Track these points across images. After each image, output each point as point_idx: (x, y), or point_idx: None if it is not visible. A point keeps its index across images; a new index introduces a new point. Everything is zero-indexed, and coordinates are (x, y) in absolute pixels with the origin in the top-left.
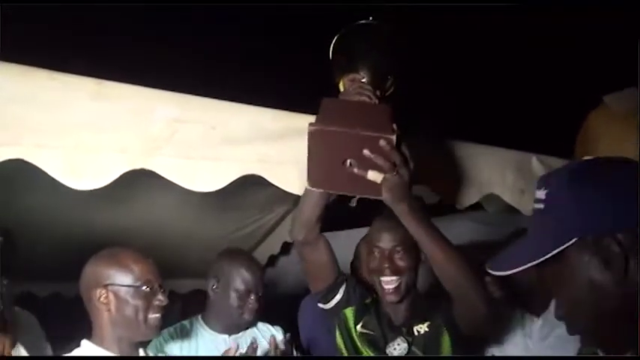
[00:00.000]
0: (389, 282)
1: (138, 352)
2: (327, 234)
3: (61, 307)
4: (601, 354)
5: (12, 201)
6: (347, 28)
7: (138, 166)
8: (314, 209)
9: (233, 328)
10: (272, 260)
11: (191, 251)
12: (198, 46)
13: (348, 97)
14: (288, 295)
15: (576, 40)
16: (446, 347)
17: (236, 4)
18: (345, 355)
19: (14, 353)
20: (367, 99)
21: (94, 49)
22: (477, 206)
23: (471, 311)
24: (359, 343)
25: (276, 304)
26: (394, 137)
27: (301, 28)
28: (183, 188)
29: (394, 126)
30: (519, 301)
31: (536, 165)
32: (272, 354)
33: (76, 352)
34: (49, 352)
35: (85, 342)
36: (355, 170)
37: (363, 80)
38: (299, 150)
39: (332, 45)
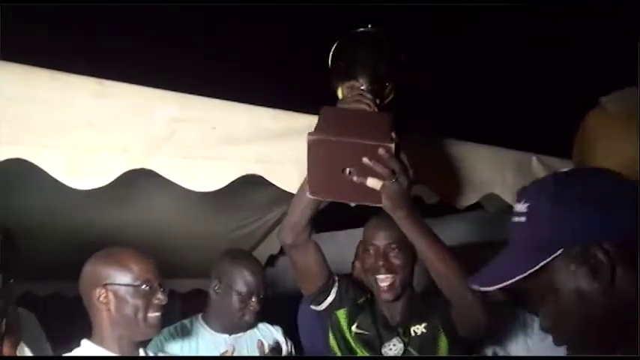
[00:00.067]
0: (384, 280)
1: (138, 352)
2: (326, 234)
3: (60, 307)
4: None
5: (12, 200)
6: (346, 36)
7: (138, 166)
8: (303, 213)
9: (233, 328)
10: (272, 260)
11: (191, 251)
12: (198, 46)
13: (347, 105)
14: (287, 295)
15: (576, 40)
16: (443, 348)
17: (236, 4)
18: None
19: (18, 352)
20: (366, 107)
21: (94, 48)
22: (476, 206)
23: (469, 317)
24: (353, 344)
25: (275, 304)
26: (393, 145)
27: (301, 27)
28: (183, 188)
29: (393, 134)
30: (519, 301)
31: (536, 165)
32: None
33: (76, 352)
34: (49, 352)
35: (84, 341)
36: (355, 178)
37: (362, 88)
38: (299, 150)
39: (331, 52)
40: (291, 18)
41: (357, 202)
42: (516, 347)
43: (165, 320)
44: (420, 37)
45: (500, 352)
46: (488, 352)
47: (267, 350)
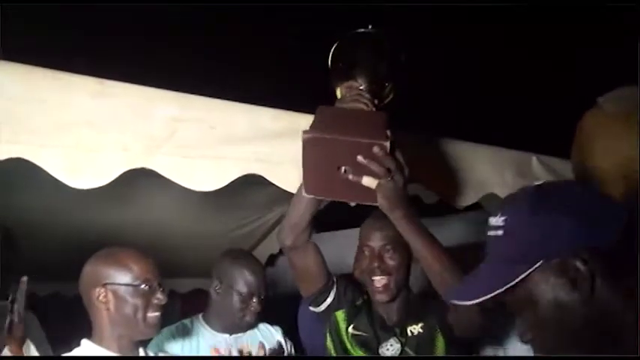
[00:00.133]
0: (379, 281)
1: (138, 351)
2: (326, 234)
3: (61, 307)
4: None
5: (12, 200)
6: (345, 36)
7: (138, 165)
8: (303, 214)
9: (234, 328)
10: (272, 260)
11: (191, 250)
12: (198, 46)
13: (345, 105)
14: (287, 295)
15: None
16: (440, 348)
17: (236, 4)
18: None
19: (25, 351)
20: (364, 106)
21: (95, 48)
22: (476, 206)
23: (465, 318)
24: (349, 346)
25: (275, 304)
26: (388, 143)
27: (301, 27)
28: (183, 187)
29: (388, 132)
30: None
31: (536, 165)
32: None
33: (75, 352)
34: (49, 352)
35: (84, 341)
36: (350, 177)
37: (361, 88)
38: (299, 150)
39: (330, 53)
40: (291, 18)
41: (352, 200)
42: (514, 349)
43: (165, 320)
44: (420, 37)
45: (500, 352)
46: (488, 352)
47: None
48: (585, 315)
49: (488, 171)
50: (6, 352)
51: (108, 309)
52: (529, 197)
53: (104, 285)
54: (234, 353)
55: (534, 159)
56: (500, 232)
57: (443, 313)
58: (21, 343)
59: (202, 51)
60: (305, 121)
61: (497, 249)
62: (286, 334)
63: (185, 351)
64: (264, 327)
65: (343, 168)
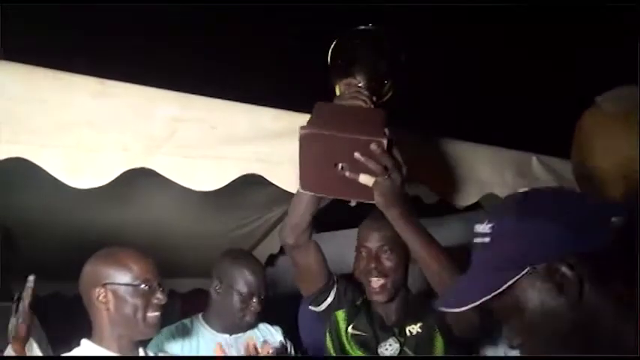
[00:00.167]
0: (376, 282)
1: (138, 351)
2: (327, 234)
3: (61, 307)
4: None
5: (12, 200)
6: (345, 33)
7: (138, 165)
8: (304, 213)
9: (234, 328)
10: (272, 259)
11: (191, 250)
12: (198, 46)
13: (343, 102)
14: (287, 295)
15: (576, 39)
16: (439, 348)
17: (236, 4)
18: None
19: (27, 350)
20: (362, 103)
21: (95, 48)
22: (476, 206)
23: (464, 318)
24: (348, 346)
25: (275, 304)
26: (385, 141)
27: (301, 27)
28: (183, 187)
29: (386, 130)
30: None
31: (536, 165)
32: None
33: (75, 352)
34: (49, 352)
35: (84, 341)
36: (347, 174)
37: (360, 85)
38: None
39: (330, 50)
40: (291, 18)
41: (348, 198)
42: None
43: (165, 320)
44: (420, 37)
45: (500, 352)
46: (488, 353)
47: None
48: (573, 320)
49: (488, 171)
50: (9, 352)
51: (108, 309)
52: (516, 204)
53: (104, 285)
54: (234, 353)
55: (534, 159)
56: (487, 239)
57: (442, 313)
58: (24, 343)
59: (202, 51)
60: (305, 121)
61: (484, 256)
62: (286, 334)
63: (185, 351)
64: (264, 327)
65: (340, 165)
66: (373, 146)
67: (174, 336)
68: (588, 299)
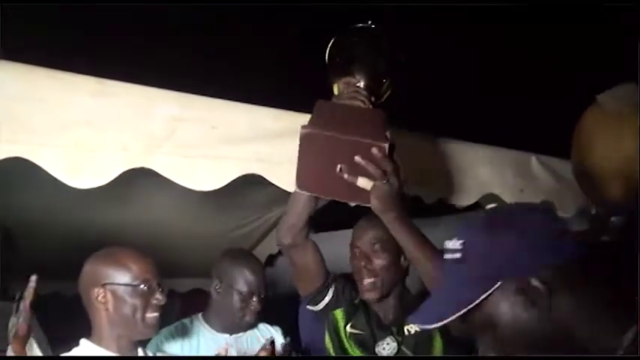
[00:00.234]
0: (366, 280)
1: (137, 351)
2: (325, 234)
3: (60, 306)
4: None
5: (12, 199)
6: (343, 32)
7: (138, 165)
8: (301, 213)
9: (234, 328)
10: (271, 260)
11: (190, 250)
12: (198, 46)
13: (342, 101)
14: (286, 295)
15: (576, 39)
16: (438, 348)
17: (236, 4)
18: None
19: (28, 349)
20: (361, 104)
21: (95, 48)
22: (476, 206)
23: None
24: (347, 344)
25: (274, 304)
26: (387, 145)
27: (301, 27)
28: (182, 187)
29: (388, 134)
30: None
31: (536, 165)
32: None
33: (74, 351)
34: (49, 352)
35: (83, 341)
36: (345, 176)
37: (359, 84)
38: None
39: (328, 48)
40: (291, 18)
41: (344, 200)
42: None
43: (164, 320)
44: (420, 37)
45: None
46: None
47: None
48: (545, 331)
49: (488, 171)
50: (9, 352)
51: (107, 309)
52: (485, 221)
53: (103, 285)
54: (234, 353)
55: (534, 159)
56: (458, 255)
57: None
58: (24, 342)
59: (202, 51)
60: (305, 121)
61: (456, 272)
62: (286, 334)
63: (185, 351)
64: (263, 327)
65: (339, 166)
66: (374, 150)
67: (174, 336)
68: (558, 310)
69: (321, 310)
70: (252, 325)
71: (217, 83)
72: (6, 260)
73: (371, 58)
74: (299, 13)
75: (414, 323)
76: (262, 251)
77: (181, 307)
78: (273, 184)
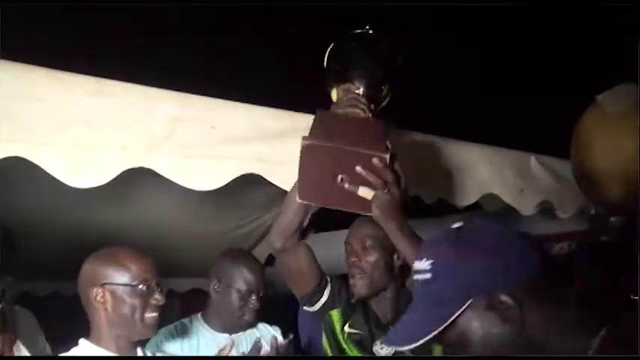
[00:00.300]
0: (355, 277)
1: (136, 351)
2: (325, 234)
3: (60, 306)
4: None
5: (11, 199)
6: (342, 38)
7: (137, 165)
8: (294, 217)
9: (233, 327)
10: (271, 259)
11: (190, 250)
12: (198, 45)
13: (341, 109)
14: (287, 295)
15: (576, 39)
16: (438, 348)
17: (236, 4)
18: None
19: (15, 351)
20: (361, 111)
21: (95, 48)
22: (476, 206)
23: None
24: (344, 344)
25: (275, 304)
26: (388, 156)
27: (301, 28)
28: (182, 187)
29: (388, 144)
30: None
31: (535, 165)
32: (273, 354)
33: (73, 351)
34: (49, 352)
35: (82, 341)
36: (346, 186)
37: (358, 91)
38: (298, 149)
39: (326, 54)
40: (291, 18)
41: (346, 209)
42: None
43: (164, 320)
44: (420, 37)
45: None
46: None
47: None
48: (519, 345)
49: (488, 171)
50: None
51: (106, 309)
52: (452, 240)
53: (102, 285)
54: (234, 353)
55: (533, 159)
56: (428, 276)
57: None
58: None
59: (202, 51)
60: (305, 121)
61: (426, 292)
62: (286, 333)
63: (185, 350)
64: (263, 327)
65: (340, 176)
66: (375, 161)
67: (173, 335)
68: (529, 324)
69: (318, 310)
70: (252, 325)
71: (217, 83)
72: (6, 260)
73: (370, 65)
74: (299, 13)
75: (387, 345)
76: (262, 251)
77: (181, 307)
78: (272, 184)
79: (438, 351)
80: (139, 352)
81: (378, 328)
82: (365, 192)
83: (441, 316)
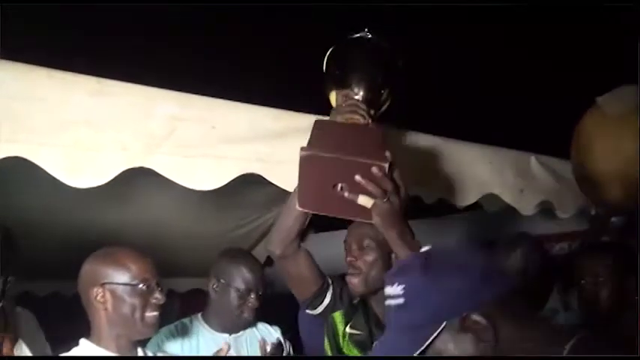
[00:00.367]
0: (351, 275)
1: (136, 351)
2: (325, 234)
3: (60, 306)
4: None
5: (11, 199)
6: (341, 41)
7: (137, 164)
8: (294, 225)
9: (233, 327)
10: (270, 259)
11: (190, 250)
12: (198, 45)
13: (341, 115)
14: (287, 295)
15: (576, 39)
16: None
17: (236, 4)
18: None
19: (16, 351)
20: (360, 118)
21: (95, 48)
22: (476, 206)
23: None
24: (344, 345)
25: (274, 304)
26: (387, 165)
27: (301, 28)
28: (182, 186)
29: (387, 153)
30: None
31: (535, 165)
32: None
33: (74, 351)
34: (49, 352)
35: (83, 341)
36: (346, 194)
37: (357, 97)
38: (298, 149)
39: (325, 59)
40: (291, 18)
41: (347, 217)
42: None
43: (164, 320)
44: (420, 37)
45: None
46: None
47: (269, 348)
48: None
49: (488, 171)
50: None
51: (106, 309)
52: (422, 264)
53: (102, 284)
54: (234, 353)
55: (533, 159)
56: (401, 301)
57: None
58: (13, 342)
59: (202, 51)
60: (305, 121)
61: (400, 317)
62: (285, 334)
63: (185, 350)
64: (262, 327)
65: (340, 185)
66: (374, 170)
67: (174, 335)
68: (504, 337)
69: (320, 313)
70: (251, 324)
71: (217, 83)
72: (6, 260)
73: (369, 69)
74: (299, 13)
75: None
76: (261, 251)
77: (180, 307)
78: (272, 184)
79: None
80: (140, 352)
81: (378, 328)
82: (364, 200)
83: (416, 340)
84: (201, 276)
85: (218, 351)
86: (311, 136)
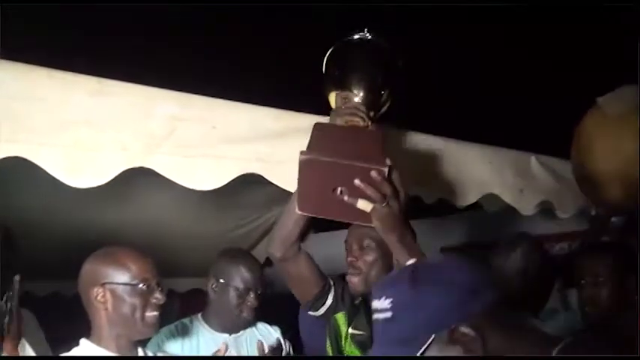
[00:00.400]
0: (351, 275)
1: (137, 351)
2: (326, 234)
3: (60, 306)
4: None
5: (11, 199)
6: (341, 42)
7: (137, 164)
8: (294, 228)
9: (233, 327)
10: (270, 260)
11: (190, 250)
12: (198, 45)
13: (340, 118)
14: (286, 295)
15: (576, 39)
16: None
17: (236, 4)
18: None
19: (20, 350)
20: (360, 120)
21: (95, 48)
22: (476, 206)
23: None
24: (345, 346)
25: (274, 304)
26: (386, 169)
27: (301, 28)
28: (182, 186)
29: (387, 160)
30: (510, 305)
31: (535, 165)
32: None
33: (74, 351)
34: (49, 352)
35: (83, 341)
36: (345, 198)
37: (357, 98)
38: (298, 149)
39: (325, 60)
40: (291, 18)
41: (347, 220)
42: None
43: (164, 320)
44: (420, 38)
45: None
46: None
47: (267, 350)
48: None
49: (488, 171)
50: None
51: (106, 308)
52: (408, 278)
53: (102, 284)
54: (234, 353)
55: (533, 159)
56: (388, 315)
57: None
58: (16, 343)
59: (202, 51)
60: (305, 121)
61: (388, 331)
62: (285, 334)
63: (185, 350)
64: (262, 326)
65: (339, 189)
66: (374, 174)
67: (174, 335)
68: (492, 347)
69: (323, 314)
70: (251, 323)
71: (217, 83)
72: (6, 260)
73: (369, 70)
74: (299, 13)
75: None
76: (261, 251)
77: (180, 307)
78: (272, 184)
79: None
80: (140, 352)
81: None
82: (364, 204)
83: (405, 354)
84: (201, 276)
85: (216, 351)
86: (310, 139)
